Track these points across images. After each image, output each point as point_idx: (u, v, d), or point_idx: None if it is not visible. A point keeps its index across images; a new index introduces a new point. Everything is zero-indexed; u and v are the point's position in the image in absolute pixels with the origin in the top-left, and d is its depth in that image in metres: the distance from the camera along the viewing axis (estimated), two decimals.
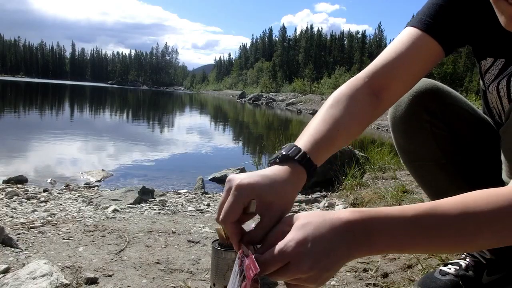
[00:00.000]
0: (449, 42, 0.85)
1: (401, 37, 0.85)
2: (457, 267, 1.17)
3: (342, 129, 0.74)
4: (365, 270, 1.46)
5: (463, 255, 1.21)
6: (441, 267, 1.21)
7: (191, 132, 10.52)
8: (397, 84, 0.83)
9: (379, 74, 0.82)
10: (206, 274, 1.41)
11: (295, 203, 2.64)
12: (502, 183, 0.93)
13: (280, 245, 0.52)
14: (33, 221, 2.00)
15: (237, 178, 0.62)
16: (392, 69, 0.82)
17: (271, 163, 0.69)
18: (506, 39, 0.84)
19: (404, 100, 1.03)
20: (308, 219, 0.54)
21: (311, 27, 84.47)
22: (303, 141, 0.71)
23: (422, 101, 1.01)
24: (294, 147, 0.69)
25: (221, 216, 0.62)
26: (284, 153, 0.68)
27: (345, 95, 0.79)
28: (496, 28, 0.73)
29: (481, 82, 0.99)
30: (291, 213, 0.59)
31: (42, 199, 2.68)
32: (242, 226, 0.62)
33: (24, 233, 1.78)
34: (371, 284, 1.35)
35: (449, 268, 1.18)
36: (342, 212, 0.54)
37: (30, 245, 1.63)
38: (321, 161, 0.71)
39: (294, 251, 0.51)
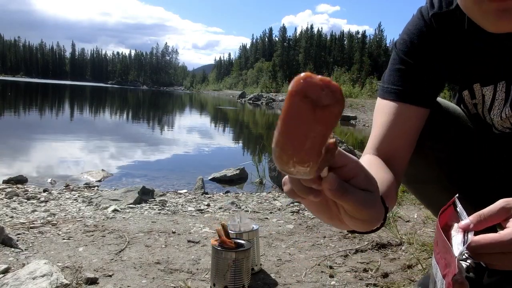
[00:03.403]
0: (431, 98, 0.87)
1: (381, 112, 0.86)
2: None
3: (384, 184, 0.70)
4: (365, 270, 1.46)
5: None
6: None
7: (191, 132, 10.52)
8: (399, 154, 0.84)
9: (382, 150, 0.83)
10: (206, 274, 1.41)
11: (295, 203, 2.64)
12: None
13: (506, 236, 0.54)
14: (33, 221, 2.00)
15: None
16: (391, 146, 0.83)
17: None
18: (499, 61, 0.84)
19: None
20: None
21: (311, 27, 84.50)
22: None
23: (424, 127, 0.93)
24: None
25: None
26: None
27: (371, 161, 0.80)
28: (483, 51, 0.76)
29: (474, 108, 0.98)
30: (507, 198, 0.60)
31: (42, 199, 2.68)
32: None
33: (24, 233, 1.78)
34: (371, 284, 1.35)
35: None
36: None
37: (30, 245, 1.63)
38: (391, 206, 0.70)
39: None
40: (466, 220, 0.58)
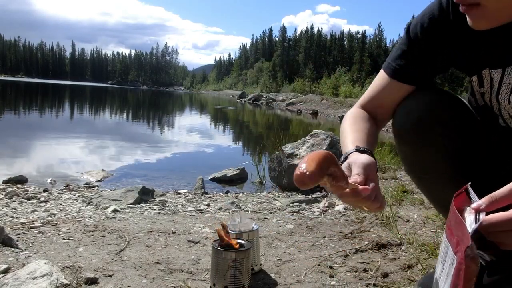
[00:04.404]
0: (417, 79, 1.00)
1: (377, 78, 1.06)
2: None
3: (369, 136, 0.97)
4: (365, 270, 1.46)
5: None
6: None
7: (191, 132, 10.52)
8: (381, 113, 1.07)
9: (367, 107, 1.07)
10: (206, 274, 1.41)
11: (295, 203, 2.64)
12: None
13: None
14: (33, 221, 2.00)
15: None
16: (375, 106, 1.06)
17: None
18: (509, 45, 0.85)
19: (413, 109, 0.97)
20: None
21: (311, 27, 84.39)
22: (349, 142, 0.93)
23: (434, 112, 0.95)
24: (347, 153, 0.89)
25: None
26: (343, 156, 0.90)
27: (357, 115, 1.05)
28: (494, 38, 0.83)
29: (482, 99, 0.99)
30: None
31: (42, 199, 2.68)
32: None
33: (24, 233, 1.78)
34: (371, 284, 1.35)
35: None
36: None
37: (30, 245, 1.63)
38: None
39: None
40: (479, 201, 0.60)
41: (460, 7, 0.74)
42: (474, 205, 0.60)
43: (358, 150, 0.87)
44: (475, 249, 0.55)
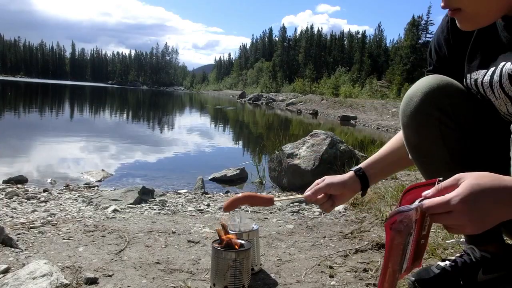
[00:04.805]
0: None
1: None
2: (453, 264, 1.18)
3: (395, 156, 1.17)
4: (365, 270, 1.46)
5: (461, 253, 1.21)
6: (438, 262, 1.22)
7: (191, 132, 10.52)
8: None
9: None
10: (206, 274, 1.41)
11: (295, 203, 2.64)
12: None
13: (448, 197, 0.65)
14: (33, 221, 2.00)
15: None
16: None
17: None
18: (496, 49, 0.92)
19: (416, 95, 1.01)
20: (479, 180, 0.65)
21: (311, 27, 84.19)
22: (366, 161, 1.16)
23: (434, 98, 1.00)
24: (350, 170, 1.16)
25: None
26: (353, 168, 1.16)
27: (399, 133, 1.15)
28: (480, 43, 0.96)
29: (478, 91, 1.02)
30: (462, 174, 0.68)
31: (42, 199, 2.68)
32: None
33: (24, 233, 1.78)
34: (371, 284, 1.35)
35: (446, 264, 1.19)
36: (508, 179, 0.65)
37: (30, 245, 1.64)
38: (379, 176, 1.19)
39: (458, 206, 0.63)
40: (429, 190, 0.69)
41: (448, 12, 0.85)
42: (424, 192, 0.69)
43: (355, 171, 1.14)
44: (408, 226, 0.64)
